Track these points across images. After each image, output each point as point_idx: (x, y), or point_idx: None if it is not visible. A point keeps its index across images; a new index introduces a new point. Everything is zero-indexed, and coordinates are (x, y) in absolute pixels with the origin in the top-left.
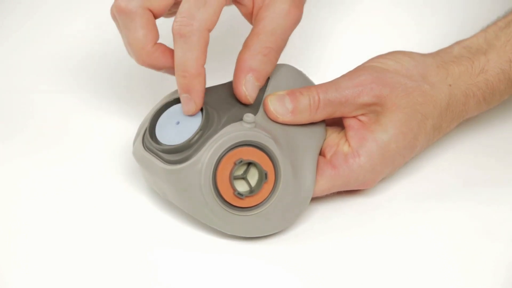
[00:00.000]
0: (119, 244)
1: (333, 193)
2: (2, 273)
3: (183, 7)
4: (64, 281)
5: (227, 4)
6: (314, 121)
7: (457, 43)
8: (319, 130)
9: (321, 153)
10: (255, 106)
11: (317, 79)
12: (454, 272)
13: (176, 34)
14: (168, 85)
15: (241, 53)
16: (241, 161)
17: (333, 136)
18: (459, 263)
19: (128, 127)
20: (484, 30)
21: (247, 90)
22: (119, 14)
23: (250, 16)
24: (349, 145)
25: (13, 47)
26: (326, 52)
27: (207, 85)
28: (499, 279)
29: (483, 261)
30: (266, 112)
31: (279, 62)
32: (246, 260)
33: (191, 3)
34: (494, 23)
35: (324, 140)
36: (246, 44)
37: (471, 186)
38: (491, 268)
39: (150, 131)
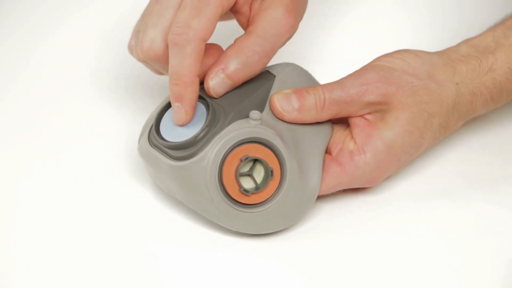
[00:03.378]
0: (123, 241)
1: (338, 191)
2: (3, 272)
3: (178, 16)
4: (68, 278)
5: (224, 17)
6: (320, 121)
7: (465, 41)
8: (325, 128)
9: (327, 151)
10: (262, 103)
11: (322, 78)
12: (458, 270)
13: (171, 43)
14: None
15: (228, 49)
16: (247, 158)
17: (339, 133)
18: (463, 262)
19: (133, 124)
20: (492, 29)
21: (212, 83)
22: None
23: (247, 24)
24: (355, 143)
25: (17, 45)
26: (332, 51)
27: None
28: (503, 278)
29: (487, 259)
30: (272, 110)
31: (284, 61)
32: (250, 257)
33: (186, 13)
34: (502, 22)
35: (330, 137)
36: (235, 41)
37: (476, 185)
38: (495, 267)
39: (156, 128)
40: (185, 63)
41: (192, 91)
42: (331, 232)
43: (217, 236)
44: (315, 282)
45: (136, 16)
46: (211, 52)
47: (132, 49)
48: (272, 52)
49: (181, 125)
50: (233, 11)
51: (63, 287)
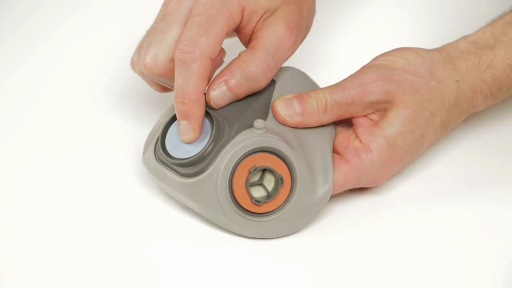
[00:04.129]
0: (127, 240)
1: (343, 191)
2: (3, 272)
3: (185, 34)
4: (71, 280)
5: (229, 34)
6: (323, 124)
7: (464, 37)
8: (328, 128)
9: (333, 150)
10: (264, 110)
11: (322, 81)
12: (459, 269)
13: (178, 61)
14: None
15: (231, 62)
16: (255, 169)
17: (342, 133)
18: (464, 261)
19: (139, 127)
20: (491, 24)
21: (213, 94)
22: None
23: (248, 42)
24: (360, 141)
25: (25, 47)
26: (331, 53)
27: None
28: (504, 277)
29: (488, 259)
30: (274, 116)
31: (283, 65)
32: (255, 256)
33: (193, 31)
34: (501, 17)
35: (334, 137)
36: (239, 55)
37: (478, 184)
38: (496, 266)
39: (161, 144)
40: (191, 81)
41: (199, 109)
42: (335, 232)
43: (220, 234)
44: (319, 281)
45: (144, 22)
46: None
47: (134, 64)
48: (276, 68)
49: (189, 143)
50: (235, 30)
51: (66, 285)
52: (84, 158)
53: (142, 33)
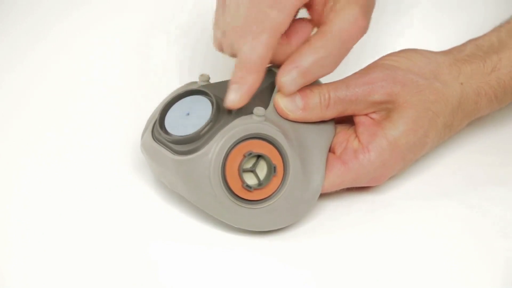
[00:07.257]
0: (125, 238)
1: (342, 190)
2: (3, 270)
3: (258, 5)
4: (70, 276)
5: (300, 7)
6: (325, 119)
7: (470, 41)
8: (328, 127)
9: (331, 150)
10: (266, 101)
11: (325, 78)
12: (459, 269)
13: (246, 31)
14: (179, 80)
15: (302, 47)
16: (250, 154)
17: (343, 132)
18: (464, 261)
19: (137, 121)
20: (497, 28)
21: (285, 80)
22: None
23: (319, 20)
24: (359, 141)
25: (20, 43)
26: None
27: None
28: (503, 277)
29: (488, 259)
30: (276, 109)
31: None
32: (252, 255)
33: (266, 1)
34: (508, 21)
35: (333, 137)
36: (309, 40)
37: (479, 185)
38: (499, 266)
39: (160, 122)
40: (256, 52)
41: (254, 79)
42: (335, 231)
43: (219, 233)
44: (320, 281)
45: (143, 23)
46: (300, 28)
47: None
48: (345, 53)
49: (232, 109)
50: (306, 6)
51: (65, 284)
52: (84, 158)
53: (141, 32)
